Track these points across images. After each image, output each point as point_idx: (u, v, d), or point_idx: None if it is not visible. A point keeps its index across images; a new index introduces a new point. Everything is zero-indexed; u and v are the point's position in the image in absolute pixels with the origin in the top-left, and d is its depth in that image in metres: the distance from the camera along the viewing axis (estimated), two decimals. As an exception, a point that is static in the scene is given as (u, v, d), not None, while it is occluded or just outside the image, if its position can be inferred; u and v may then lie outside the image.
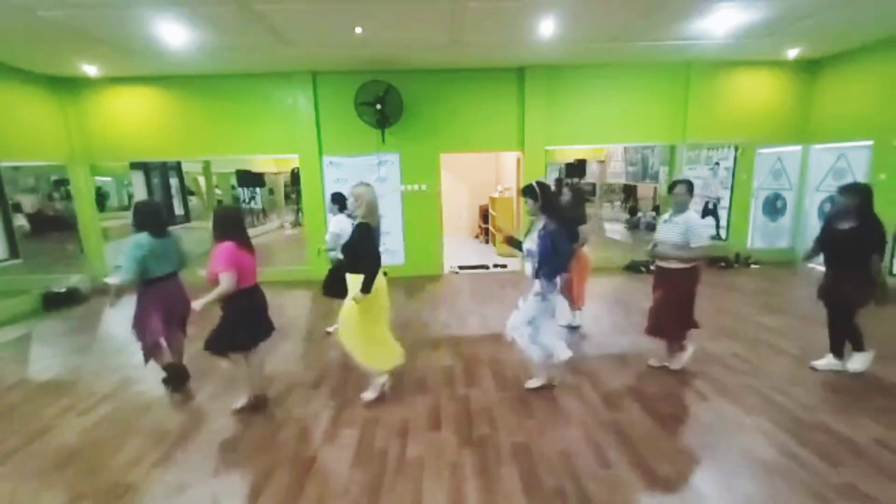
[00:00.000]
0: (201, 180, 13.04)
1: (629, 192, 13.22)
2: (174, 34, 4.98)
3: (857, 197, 3.40)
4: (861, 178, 6.24)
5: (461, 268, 7.98)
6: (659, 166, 11.08)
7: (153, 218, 3.55)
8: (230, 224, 3.20)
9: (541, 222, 3.28)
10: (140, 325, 3.55)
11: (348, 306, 3.24)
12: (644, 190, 12.45)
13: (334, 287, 4.29)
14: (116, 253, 7.22)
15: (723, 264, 7.57)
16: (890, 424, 2.95)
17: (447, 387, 3.69)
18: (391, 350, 3.47)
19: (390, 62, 6.51)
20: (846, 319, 3.60)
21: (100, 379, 4.00)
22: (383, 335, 3.43)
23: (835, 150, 6.98)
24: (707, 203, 8.50)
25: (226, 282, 3.02)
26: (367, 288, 3.06)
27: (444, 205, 7.78)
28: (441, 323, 5.28)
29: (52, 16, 4.42)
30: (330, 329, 4.82)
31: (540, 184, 3.31)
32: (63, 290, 6.45)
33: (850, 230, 3.40)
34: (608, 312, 5.46)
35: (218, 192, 13.41)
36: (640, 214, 12.08)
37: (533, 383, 3.58)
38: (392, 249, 7.47)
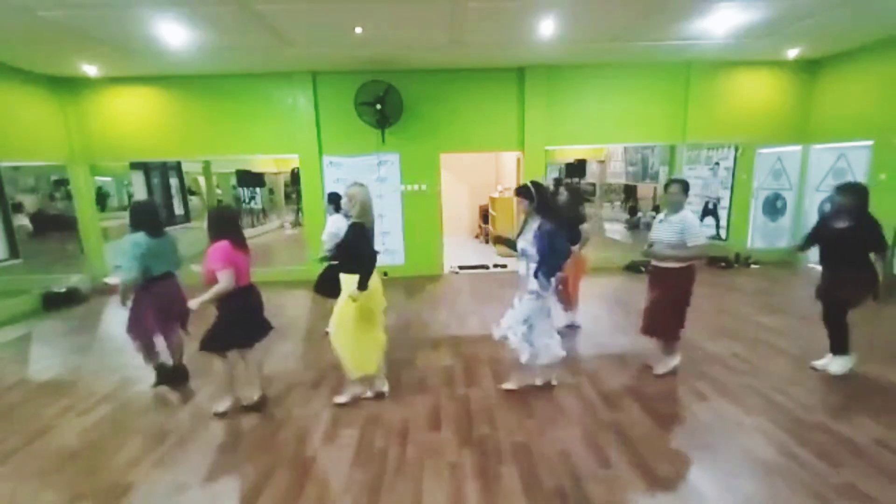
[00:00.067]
0: (201, 180, 13.04)
1: (629, 192, 13.24)
2: (174, 34, 4.98)
3: (854, 196, 3.39)
4: (861, 179, 6.24)
5: (461, 268, 7.97)
6: (659, 166, 11.08)
7: (150, 218, 3.56)
8: (225, 224, 3.21)
9: (535, 222, 3.27)
10: (134, 324, 3.57)
11: (342, 306, 3.24)
12: (644, 190, 12.47)
13: (327, 286, 4.29)
14: (115, 253, 7.24)
15: (723, 264, 7.56)
16: (890, 424, 2.95)
17: (447, 387, 3.69)
18: (371, 357, 3.39)
19: (390, 62, 6.51)
20: (840, 315, 3.61)
21: (100, 379, 4.00)
22: (373, 338, 3.40)
23: (835, 150, 6.98)
24: (707, 203, 8.48)
25: (224, 279, 3.03)
26: (362, 286, 3.08)
27: (444, 205, 7.77)
28: (441, 323, 5.29)
29: (52, 16, 4.42)
30: (329, 329, 4.81)
31: (535, 184, 3.30)
32: (63, 290, 6.45)
33: (846, 229, 3.40)
34: (608, 312, 5.46)
35: (218, 191, 13.41)
36: (640, 214, 12.09)
37: (509, 385, 3.57)
38: (392, 249, 7.46)
